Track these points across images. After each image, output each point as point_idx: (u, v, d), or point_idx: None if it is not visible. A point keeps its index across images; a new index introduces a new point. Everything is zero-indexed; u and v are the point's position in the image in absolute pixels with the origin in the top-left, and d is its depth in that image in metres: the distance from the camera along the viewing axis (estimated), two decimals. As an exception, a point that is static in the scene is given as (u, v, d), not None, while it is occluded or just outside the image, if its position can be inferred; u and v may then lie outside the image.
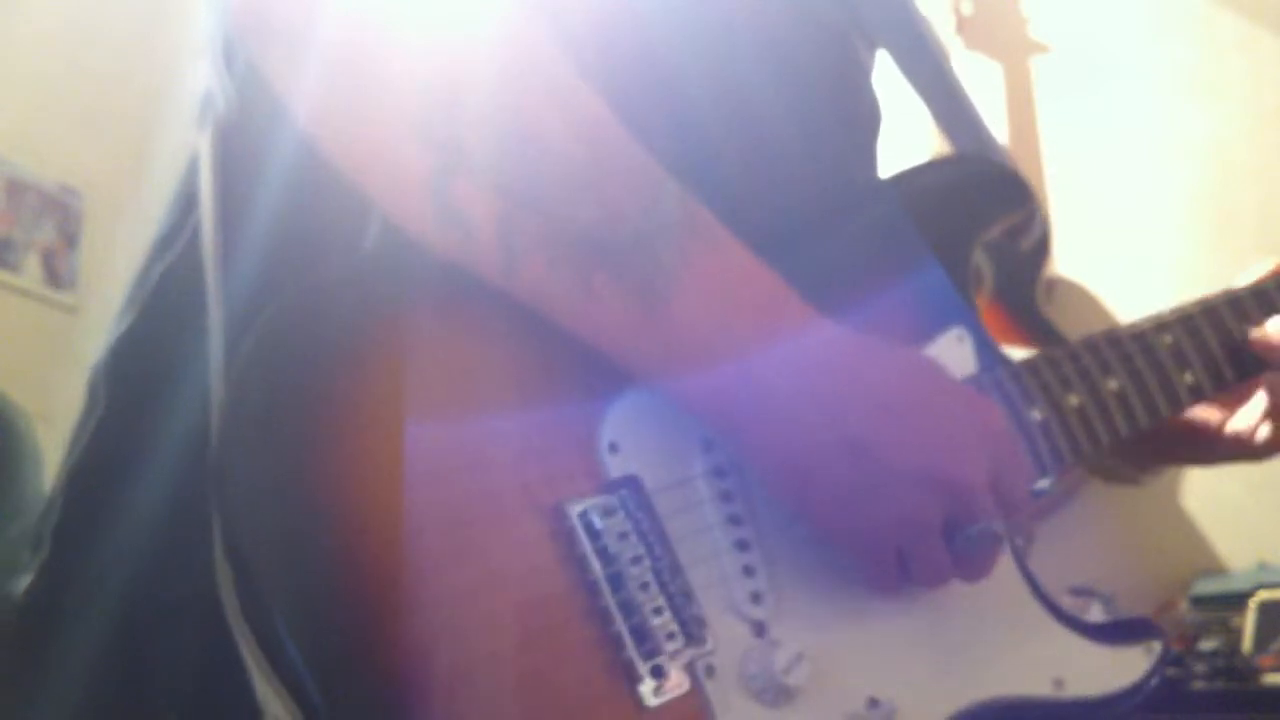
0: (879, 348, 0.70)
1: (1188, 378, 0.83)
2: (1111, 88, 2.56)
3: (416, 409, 0.63)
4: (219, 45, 0.75)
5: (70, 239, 2.82)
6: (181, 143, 0.79)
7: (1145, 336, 0.82)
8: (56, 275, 2.79)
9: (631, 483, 0.68)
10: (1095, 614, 2.18)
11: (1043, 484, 0.81)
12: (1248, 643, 2.00)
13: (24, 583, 0.75)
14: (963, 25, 2.68)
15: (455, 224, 0.64)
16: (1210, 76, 2.47)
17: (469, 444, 0.64)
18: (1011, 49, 2.64)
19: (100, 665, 0.71)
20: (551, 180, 0.64)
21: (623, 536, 0.66)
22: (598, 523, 0.66)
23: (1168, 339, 0.83)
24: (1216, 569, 2.27)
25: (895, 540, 0.69)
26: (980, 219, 0.82)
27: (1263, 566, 2.17)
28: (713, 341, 0.66)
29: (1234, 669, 1.93)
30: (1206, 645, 1.97)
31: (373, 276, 0.66)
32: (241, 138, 0.74)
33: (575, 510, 0.66)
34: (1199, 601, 2.14)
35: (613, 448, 0.68)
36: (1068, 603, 2.40)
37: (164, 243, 0.80)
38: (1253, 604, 2.03)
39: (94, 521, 0.75)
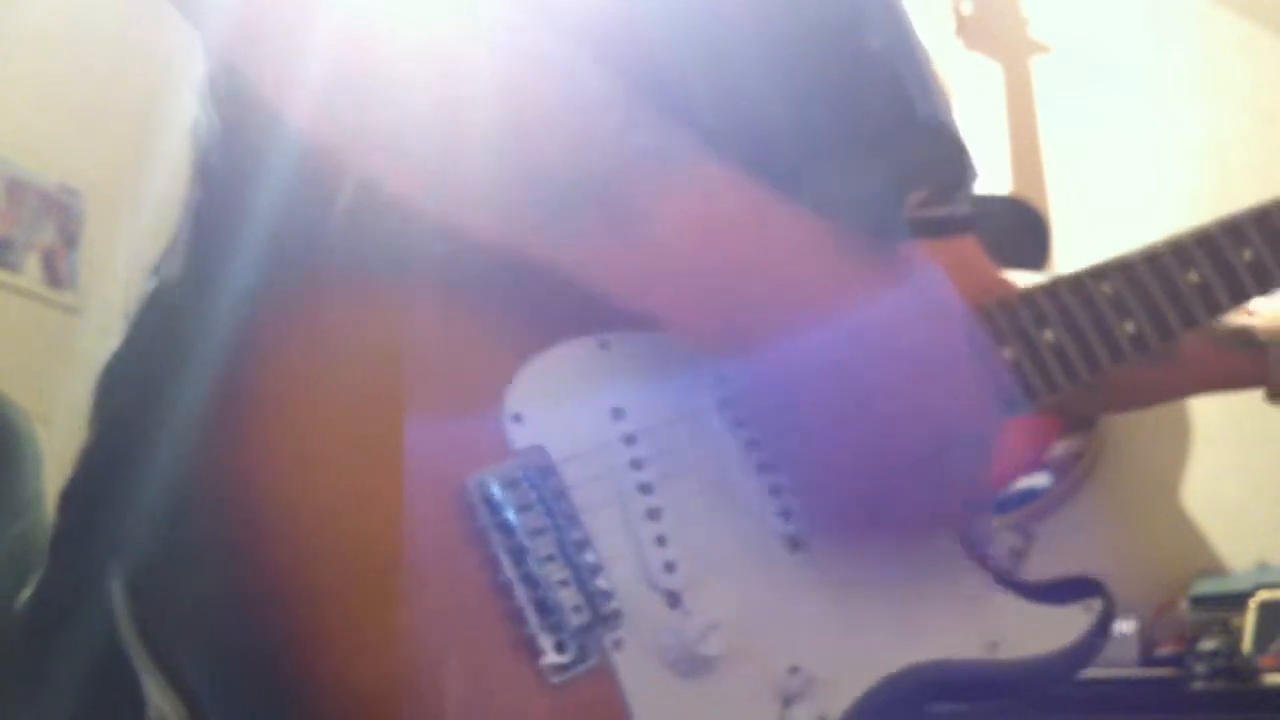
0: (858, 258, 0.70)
1: (1129, 327, 0.81)
2: (1111, 88, 2.56)
3: (318, 393, 0.63)
4: (203, 73, 0.77)
5: (70, 239, 2.81)
6: (181, 145, 0.80)
7: (1084, 286, 0.81)
8: (56, 275, 2.79)
9: (535, 453, 0.66)
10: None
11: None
12: (1248, 643, 1.99)
13: (24, 596, 0.76)
14: (963, 25, 2.68)
15: (451, 190, 0.64)
16: (1210, 76, 2.47)
17: (375, 427, 0.64)
18: (1011, 49, 2.64)
19: (89, 678, 0.71)
20: (520, 125, 0.64)
21: (525, 508, 0.64)
22: (497, 494, 0.64)
23: (1106, 288, 0.81)
24: (1216, 569, 2.27)
25: (955, 432, 0.67)
26: (908, 179, 0.82)
27: (1263, 566, 2.17)
28: (697, 264, 0.66)
29: (1234, 669, 1.93)
30: (1206, 645, 1.97)
31: (292, 266, 0.67)
32: (222, 164, 0.75)
33: (474, 482, 0.64)
34: (1199, 601, 2.14)
35: (517, 419, 0.67)
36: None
37: (156, 263, 0.81)
38: (1253, 604, 2.03)
39: (83, 539, 0.75)
